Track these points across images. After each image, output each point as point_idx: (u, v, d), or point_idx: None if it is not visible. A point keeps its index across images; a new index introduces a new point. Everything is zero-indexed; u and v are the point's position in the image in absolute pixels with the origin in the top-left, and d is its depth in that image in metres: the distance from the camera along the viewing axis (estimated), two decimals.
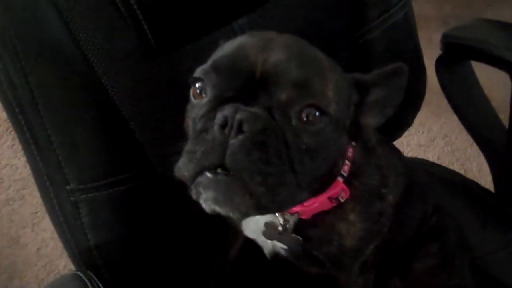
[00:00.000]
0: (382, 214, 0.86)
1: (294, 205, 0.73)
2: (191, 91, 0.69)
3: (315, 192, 0.74)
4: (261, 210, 0.65)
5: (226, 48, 0.69)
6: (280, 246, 0.85)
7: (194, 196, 0.65)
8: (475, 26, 1.08)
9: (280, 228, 0.81)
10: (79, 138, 0.80)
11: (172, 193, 0.86)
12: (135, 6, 0.78)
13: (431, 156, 2.25)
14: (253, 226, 0.85)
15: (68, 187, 0.81)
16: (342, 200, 0.79)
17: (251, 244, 0.91)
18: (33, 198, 2.08)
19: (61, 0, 0.75)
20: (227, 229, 0.93)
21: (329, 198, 0.78)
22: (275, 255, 0.88)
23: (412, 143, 2.30)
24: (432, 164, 1.29)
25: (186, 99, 0.73)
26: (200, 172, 0.63)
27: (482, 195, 1.17)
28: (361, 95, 0.75)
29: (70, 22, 0.76)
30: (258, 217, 0.82)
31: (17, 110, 0.78)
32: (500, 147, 1.11)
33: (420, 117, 2.36)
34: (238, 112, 0.61)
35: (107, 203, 0.83)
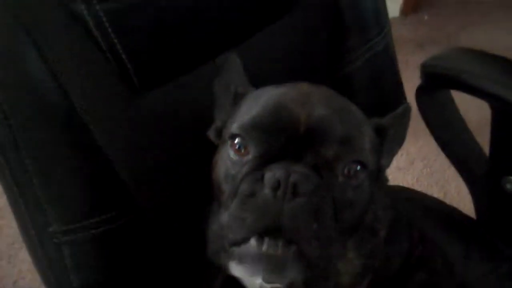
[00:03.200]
0: (375, 249, 0.86)
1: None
2: (229, 145, 0.67)
3: None
4: (314, 276, 0.66)
5: (264, 102, 0.67)
6: (271, 286, 0.84)
7: (223, 260, 0.70)
8: (453, 55, 1.09)
9: None
10: (61, 179, 0.78)
11: (155, 232, 0.86)
12: (118, 46, 0.78)
13: (410, 178, 2.26)
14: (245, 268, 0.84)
15: (50, 229, 0.79)
16: None
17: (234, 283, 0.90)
18: (10, 229, 2.03)
19: (41, 41, 0.74)
20: (208, 267, 0.92)
21: None
22: None
23: (391, 166, 2.28)
24: (412, 190, 1.30)
25: (172, 137, 0.73)
26: (246, 240, 0.62)
27: (464, 222, 1.18)
28: (380, 139, 0.76)
29: (51, 62, 0.75)
30: None
31: None
32: (480, 174, 1.12)
33: None
34: (292, 174, 0.60)
35: (91, 244, 0.81)
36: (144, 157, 0.84)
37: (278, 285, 0.81)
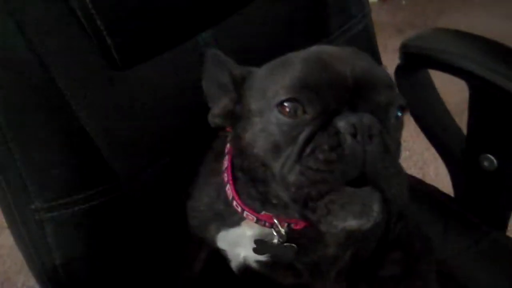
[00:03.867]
0: None
1: None
2: (278, 112, 0.65)
3: None
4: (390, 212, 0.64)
5: (302, 64, 0.67)
6: (255, 259, 0.85)
7: (316, 216, 0.63)
8: (433, 35, 1.11)
9: (275, 240, 0.80)
10: (42, 156, 0.78)
11: (137, 209, 0.86)
12: (98, 22, 0.77)
13: None
14: (231, 239, 0.84)
15: (32, 206, 0.79)
16: None
17: (217, 257, 0.91)
18: None
19: (20, 16, 0.74)
20: (190, 242, 0.93)
21: None
22: (245, 268, 0.88)
23: None
24: None
25: (153, 114, 0.73)
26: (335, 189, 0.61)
27: (442, 200, 1.20)
28: None
29: (30, 36, 0.75)
30: (241, 229, 0.82)
31: None
32: (458, 152, 1.14)
33: None
34: (364, 118, 0.61)
35: (73, 221, 0.82)
36: (126, 133, 0.84)
37: (262, 257, 0.83)
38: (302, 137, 0.63)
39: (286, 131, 0.65)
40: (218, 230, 0.84)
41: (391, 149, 0.62)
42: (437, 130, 1.16)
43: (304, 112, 0.64)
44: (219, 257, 0.91)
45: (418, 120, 1.16)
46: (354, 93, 0.64)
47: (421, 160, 2.28)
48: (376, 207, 0.61)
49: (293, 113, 0.64)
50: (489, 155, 1.06)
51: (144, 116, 0.85)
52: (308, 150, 0.62)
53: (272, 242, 0.80)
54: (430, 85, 1.15)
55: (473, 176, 1.13)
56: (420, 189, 1.22)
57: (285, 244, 0.80)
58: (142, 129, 0.85)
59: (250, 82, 0.73)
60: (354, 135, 0.60)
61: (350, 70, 0.65)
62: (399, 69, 1.14)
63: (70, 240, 0.83)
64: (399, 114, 0.67)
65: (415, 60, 1.11)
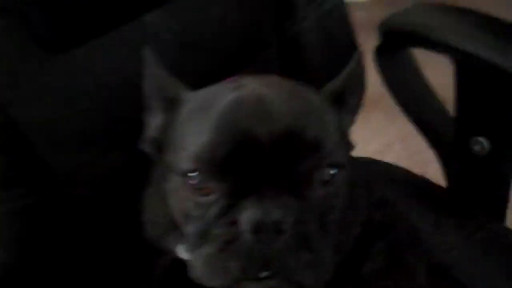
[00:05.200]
0: None
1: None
2: (184, 184, 0.59)
3: None
4: None
5: (215, 124, 0.57)
6: None
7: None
8: (413, 11, 1.02)
9: None
10: None
11: (85, 211, 0.78)
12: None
13: (388, 161, 2.19)
14: None
15: None
16: None
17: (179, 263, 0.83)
18: None
19: None
20: (147, 248, 0.84)
21: None
22: None
23: (369, 150, 2.24)
24: (381, 162, 1.22)
25: (92, 103, 0.65)
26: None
27: (434, 191, 1.11)
28: (338, 106, 0.70)
29: None
30: None
31: None
32: (447, 138, 1.05)
33: (376, 123, 2.35)
34: (271, 213, 0.54)
35: (3, 220, 0.73)
36: (66, 126, 0.76)
37: None
38: (208, 216, 0.58)
39: (191, 208, 0.60)
40: (176, 242, 0.76)
41: (310, 235, 0.57)
42: (422, 114, 1.08)
43: (211, 190, 0.58)
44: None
45: (402, 103, 1.08)
46: (272, 164, 0.56)
47: (421, 160, 2.17)
48: None
49: (197, 189, 0.58)
50: (480, 138, 0.98)
51: (86, 107, 0.77)
52: (213, 233, 0.57)
53: None
54: (412, 64, 1.06)
55: (464, 162, 1.04)
56: (408, 180, 1.14)
57: None
58: (85, 121, 0.77)
59: (179, 114, 0.65)
60: (257, 233, 0.54)
61: (267, 135, 0.55)
62: (378, 50, 1.06)
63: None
64: (333, 173, 0.60)
65: (395, 38, 1.03)
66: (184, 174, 0.58)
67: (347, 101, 0.71)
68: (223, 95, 0.60)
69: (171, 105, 0.67)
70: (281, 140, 0.56)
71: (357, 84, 0.73)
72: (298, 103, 0.61)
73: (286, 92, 0.63)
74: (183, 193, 0.60)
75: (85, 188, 0.79)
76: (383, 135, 2.28)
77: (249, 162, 0.55)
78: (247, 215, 0.54)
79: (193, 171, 0.57)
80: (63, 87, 0.75)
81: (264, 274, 0.55)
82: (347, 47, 1.05)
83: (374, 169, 1.09)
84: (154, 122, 0.70)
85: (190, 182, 0.58)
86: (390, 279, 0.88)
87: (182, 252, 0.77)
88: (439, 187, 1.11)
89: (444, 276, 0.94)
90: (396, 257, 0.90)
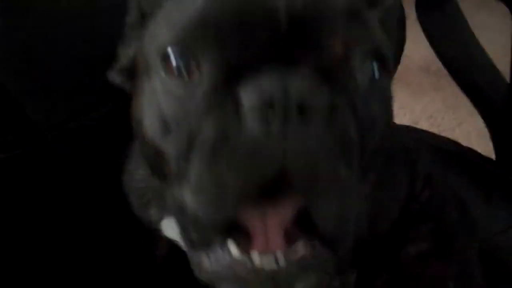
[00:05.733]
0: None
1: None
2: (162, 71, 0.41)
3: None
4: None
5: None
6: None
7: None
8: None
9: None
10: None
11: (71, 170, 0.64)
12: None
13: None
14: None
15: None
16: None
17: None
18: None
19: None
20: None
21: None
22: None
23: None
24: (419, 129, 1.08)
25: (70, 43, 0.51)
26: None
27: (482, 163, 0.96)
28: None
29: None
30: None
31: None
32: (500, 104, 0.91)
33: (401, 99, 2.21)
34: (290, 84, 0.35)
35: None
36: (40, 69, 0.62)
37: None
38: (192, 114, 0.38)
39: (171, 106, 0.40)
40: (160, 215, 0.59)
41: (350, 137, 0.38)
42: (471, 75, 0.93)
43: (199, 69, 0.39)
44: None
45: (447, 62, 0.93)
46: (289, 38, 0.38)
47: (451, 137, 2.04)
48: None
49: (179, 74, 0.39)
50: None
51: (57, 47, 0.62)
52: (200, 140, 0.37)
53: None
54: (460, 19, 0.92)
55: None
56: (454, 151, 0.99)
57: None
58: (57, 64, 0.63)
59: (156, 14, 0.46)
60: (265, 119, 0.34)
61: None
62: (420, 4, 0.91)
63: None
64: (375, 71, 0.41)
65: None
66: (163, 56, 0.40)
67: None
68: None
69: (147, 16, 0.49)
70: (305, 7, 0.38)
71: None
72: None
73: None
74: (160, 92, 0.41)
75: (73, 143, 0.65)
76: (409, 112, 2.13)
77: (258, 31, 0.38)
78: (251, 89, 0.35)
79: (175, 50, 0.39)
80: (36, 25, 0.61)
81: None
82: None
83: (415, 138, 0.93)
84: (126, 49, 0.53)
85: (172, 63, 0.39)
86: (438, 265, 0.73)
87: (168, 230, 0.61)
88: (488, 160, 0.97)
89: (497, 264, 0.81)
90: (444, 241, 0.75)
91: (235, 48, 0.38)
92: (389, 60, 0.43)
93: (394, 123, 0.86)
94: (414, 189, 0.78)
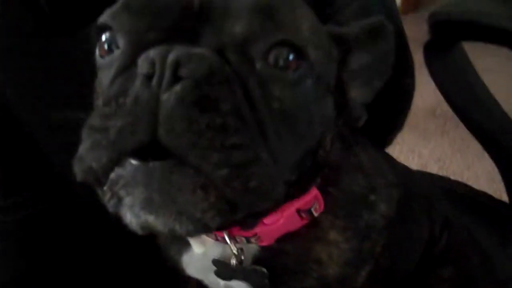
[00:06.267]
0: (372, 228, 0.64)
1: (272, 203, 0.47)
2: (97, 51, 0.48)
3: (286, 197, 0.50)
4: (226, 211, 0.42)
5: None
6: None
7: (110, 206, 0.42)
8: None
9: (233, 261, 0.58)
10: None
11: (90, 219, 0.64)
12: None
13: None
14: (198, 263, 0.63)
15: None
16: (315, 214, 0.57)
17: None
18: None
19: None
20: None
21: (298, 211, 0.56)
22: None
23: None
24: (430, 174, 1.08)
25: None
26: (117, 161, 0.40)
27: (496, 206, 0.96)
28: (342, 54, 0.55)
29: None
30: (202, 251, 0.61)
31: None
32: (510, 143, 0.91)
33: (409, 143, 2.22)
34: (172, 51, 0.40)
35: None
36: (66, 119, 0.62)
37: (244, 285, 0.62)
38: (109, 77, 0.45)
39: (100, 77, 0.49)
40: (180, 253, 0.63)
41: (227, 104, 0.41)
42: (480, 119, 0.93)
43: (118, 46, 0.46)
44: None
45: (456, 108, 0.93)
46: (200, 18, 0.44)
47: (461, 180, 2.04)
48: (182, 196, 0.39)
49: (106, 49, 0.47)
50: None
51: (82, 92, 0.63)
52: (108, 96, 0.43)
53: (233, 264, 0.59)
54: (467, 63, 0.92)
55: None
56: (467, 194, 0.99)
57: (254, 267, 0.59)
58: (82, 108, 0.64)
59: None
60: (149, 78, 0.40)
61: None
62: (428, 47, 0.92)
63: None
64: (289, 57, 0.45)
65: (448, 31, 0.89)
66: (97, 35, 0.48)
67: (353, 55, 0.57)
68: None
69: None
70: None
71: (378, 55, 0.57)
72: None
73: None
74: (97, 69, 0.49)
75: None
76: (417, 156, 2.13)
77: (168, 13, 0.44)
78: (144, 55, 0.41)
79: (104, 29, 0.47)
80: (60, 71, 0.64)
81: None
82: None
83: (431, 182, 0.94)
84: None
85: (103, 41, 0.47)
86: None
87: (190, 268, 0.64)
88: (503, 204, 0.96)
89: None
90: (465, 286, 0.74)
91: (144, 27, 0.44)
92: (314, 67, 0.47)
93: (408, 168, 0.88)
94: (433, 232, 0.77)
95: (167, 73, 0.39)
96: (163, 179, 0.39)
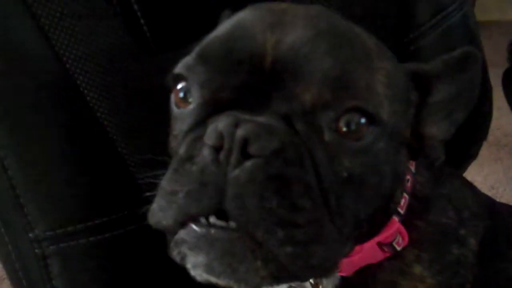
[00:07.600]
0: (461, 264, 0.61)
1: (335, 266, 0.47)
2: (172, 97, 0.49)
3: (362, 238, 0.51)
4: (285, 279, 0.44)
5: (221, 28, 0.48)
6: None
7: (176, 259, 0.44)
8: None
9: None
10: (46, 165, 0.58)
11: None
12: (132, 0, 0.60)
13: None
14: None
15: (31, 234, 0.58)
16: (398, 248, 0.56)
17: None
18: None
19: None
20: None
21: (380, 245, 0.55)
22: None
23: None
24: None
25: None
26: (182, 224, 0.42)
27: None
28: (422, 94, 0.53)
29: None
30: None
31: None
32: None
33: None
34: (240, 124, 0.40)
35: (85, 257, 0.60)
36: (153, 134, 0.63)
37: None
38: (181, 133, 0.47)
39: (173, 124, 0.50)
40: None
41: (296, 180, 0.41)
42: None
43: (191, 98, 0.47)
44: None
45: None
46: (271, 80, 0.43)
47: None
48: (242, 266, 0.40)
49: (181, 98, 0.47)
50: None
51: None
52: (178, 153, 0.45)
53: None
54: None
55: None
56: None
57: None
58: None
59: None
60: (217, 150, 0.41)
61: (274, 43, 0.44)
62: (507, 74, 0.90)
63: (82, 282, 0.61)
64: (359, 122, 0.44)
65: None
66: (173, 82, 0.48)
67: (435, 93, 0.54)
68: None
69: None
70: (289, 54, 0.44)
71: (462, 84, 0.55)
72: (332, 25, 0.47)
73: (320, 13, 0.50)
74: (172, 113, 0.50)
75: None
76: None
77: (241, 69, 0.43)
78: (213, 126, 0.41)
79: (180, 78, 0.47)
80: (151, 90, 0.63)
81: (216, 220, 0.40)
82: None
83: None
84: None
85: (178, 89, 0.47)
86: None
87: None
88: None
89: None
90: None
91: (216, 84, 0.44)
92: (386, 127, 0.46)
93: (491, 198, 0.84)
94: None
95: (235, 151, 0.40)
96: (224, 249, 0.40)
